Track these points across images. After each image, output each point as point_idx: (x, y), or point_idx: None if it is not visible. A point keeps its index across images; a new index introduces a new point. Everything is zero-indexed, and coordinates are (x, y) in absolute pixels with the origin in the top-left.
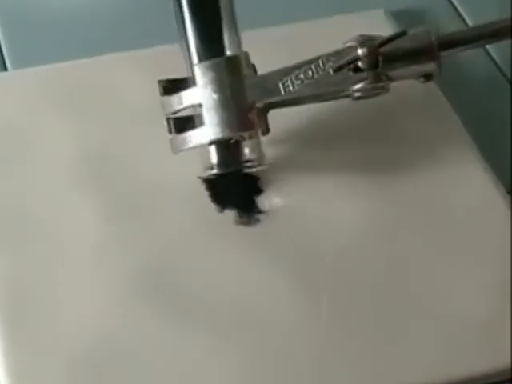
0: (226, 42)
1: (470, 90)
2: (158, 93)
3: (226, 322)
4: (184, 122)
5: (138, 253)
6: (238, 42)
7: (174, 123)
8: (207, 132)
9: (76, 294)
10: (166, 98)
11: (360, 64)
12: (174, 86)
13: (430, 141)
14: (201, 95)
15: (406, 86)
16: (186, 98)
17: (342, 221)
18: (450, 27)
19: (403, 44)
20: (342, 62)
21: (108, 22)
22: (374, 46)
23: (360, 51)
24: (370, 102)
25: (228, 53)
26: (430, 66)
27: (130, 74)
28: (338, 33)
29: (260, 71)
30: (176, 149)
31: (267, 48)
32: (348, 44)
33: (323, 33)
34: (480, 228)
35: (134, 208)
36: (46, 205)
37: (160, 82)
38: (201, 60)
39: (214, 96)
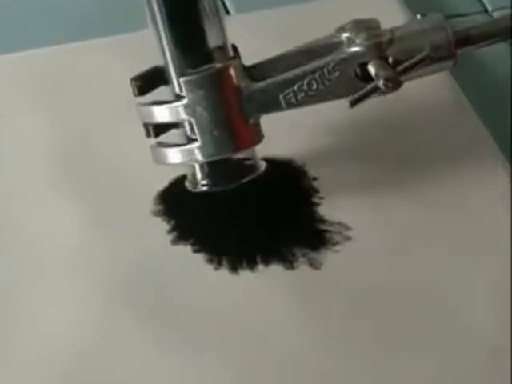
0: (211, 39)
1: (490, 87)
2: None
3: (214, 336)
4: (165, 126)
5: (121, 261)
6: (223, 37)
7: (154, 129)
8: (199, 152)
9: (53, 305)
10: (146, 107)
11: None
12: (150, 84)
13: (451, 144)
14: (190, 112)
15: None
16: (173, 113)
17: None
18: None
19: (419, 47)
20: (361, 94)
21: (84, 7)
22: (394, 75)
23: (381, 82)
24: (386, 105)
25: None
26: (446, 64)
27: (110, 62)
28: (340, 13)
29: (252, 58)
30: (159, 161)
31: (261, 33)
32: (354, 49)
33: (324, 14)
34: (502, 240)
35: (118, 211)
36: (19, 207)
37: (133, 80)
38: (183, 65)
39: (206, 114)
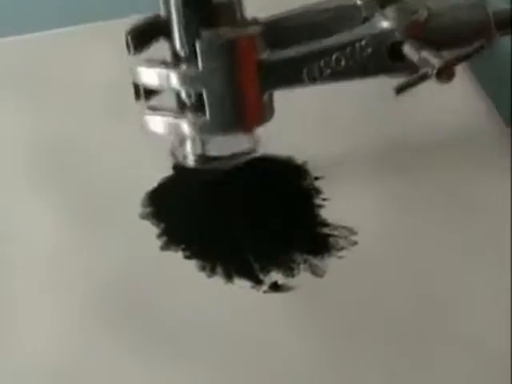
0: None
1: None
2: (127, 70)
3: (208, 348)
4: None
5: (103, 265)
6: None
7: (145, 90)
8: (204, 126)
9: (30, 314)
10: (148, 69)
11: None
12: (147, 38)
13: (462, 146)
14: (202, 82)
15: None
16: (180, 80)
17: (361, 233)
18: None
19: (457, 23)
20: (408, 81)
21: None
22: (448, 66)
23: (434, 73)
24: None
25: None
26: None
27: (94, 49)
28: None
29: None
30: (150, 128)
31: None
32: (387, 25)
33: None
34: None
35: (101, 210)
36: None
37: (129, 34)
38: (196, 24)
39: (221, 87)
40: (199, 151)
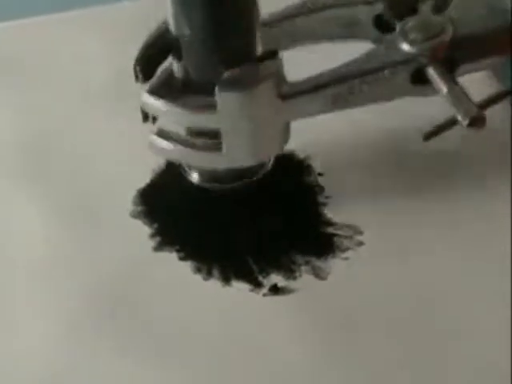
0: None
1: None
2: (120, 61)
3: (206, 354)
4: None
5: (94, 268)
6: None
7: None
8: (223, 160)
9: (24, 315)
10: (159, 102)
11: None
12: (156, 62)
13: (469, 146)
14: (220, 121)
15: None
16: (197, 121)
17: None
18: None
19: (482, 33)
20: (437, 128)
21: None
22: (480, 114)
23: (466, 122)
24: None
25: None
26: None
27: (84, 37)
28: None
29: None
30: (160, 154)
31: None
32: (412, 50)
33: None
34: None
35: (90, 211)
36: None
37: (137, 64)
38: (217, 61)
39: (239, 125)
40: (207, 175)
